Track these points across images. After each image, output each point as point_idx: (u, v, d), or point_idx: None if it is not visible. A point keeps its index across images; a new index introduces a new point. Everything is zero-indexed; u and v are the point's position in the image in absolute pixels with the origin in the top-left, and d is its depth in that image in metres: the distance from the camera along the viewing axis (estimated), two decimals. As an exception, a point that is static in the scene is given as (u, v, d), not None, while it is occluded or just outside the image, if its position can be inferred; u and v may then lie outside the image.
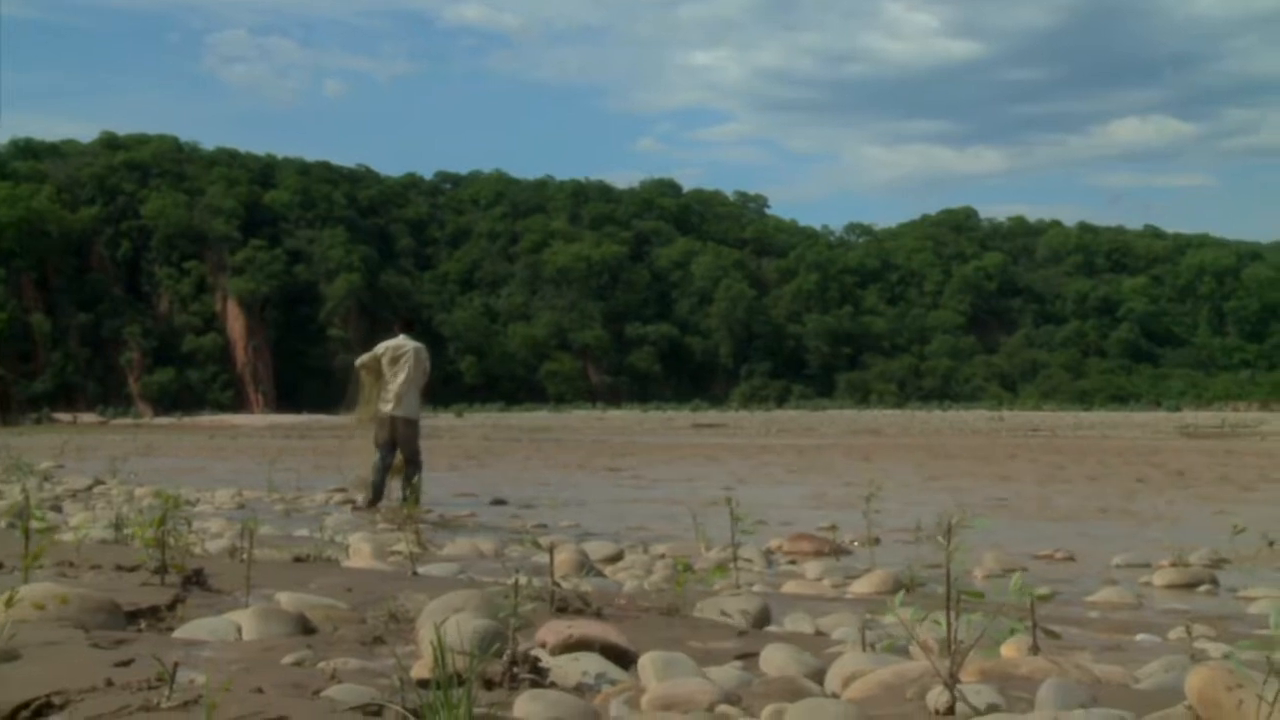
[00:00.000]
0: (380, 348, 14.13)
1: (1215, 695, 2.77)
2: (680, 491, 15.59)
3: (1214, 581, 7.84)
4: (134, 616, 4.44)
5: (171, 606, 4.64)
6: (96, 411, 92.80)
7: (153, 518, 5.40)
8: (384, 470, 13.73)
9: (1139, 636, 5.37)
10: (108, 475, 16.11)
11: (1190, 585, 7.77)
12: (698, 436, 45.87)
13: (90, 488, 15.17)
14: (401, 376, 13.75)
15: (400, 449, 13.83)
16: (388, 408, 13.75)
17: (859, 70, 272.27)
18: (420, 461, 13.90)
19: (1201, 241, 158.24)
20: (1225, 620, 6.03)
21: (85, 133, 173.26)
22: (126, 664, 3.47)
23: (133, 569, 5.40)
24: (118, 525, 7.51)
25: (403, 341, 14.07)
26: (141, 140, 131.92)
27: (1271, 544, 9.12)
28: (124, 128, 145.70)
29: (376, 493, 13.50)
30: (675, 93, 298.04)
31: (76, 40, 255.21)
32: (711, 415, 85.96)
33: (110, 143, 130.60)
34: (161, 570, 5.16)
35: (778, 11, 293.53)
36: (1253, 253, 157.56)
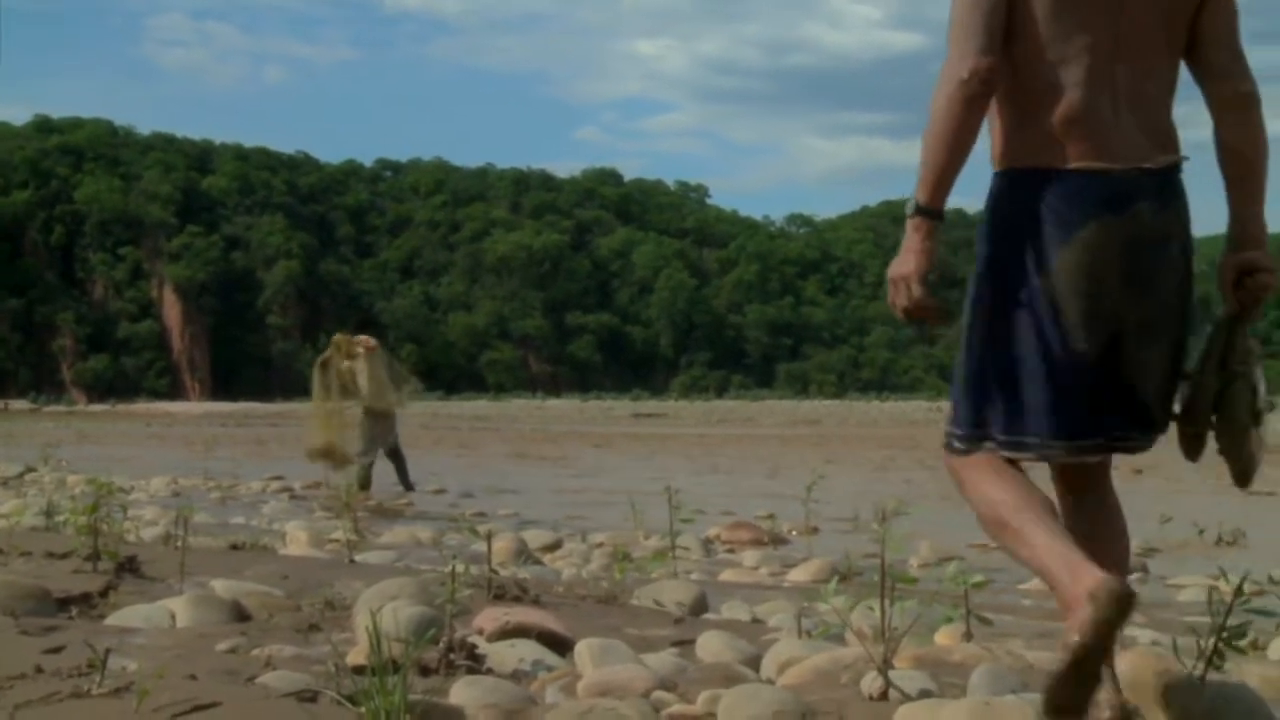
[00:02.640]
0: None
1: (1143, 680, 2.81)
2: (619, 481, 15.61)
3: (1144, 570, 7.95)
4: (65, 604, 4.39)
5: (104, 594, 4.60)
6: (28, 399, 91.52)
7: (86, 505, 5.34)
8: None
9: (1071, 623, 5.43)
10: (39, 462, 15.91)
11: (1122, 573, 7.87)
12: (637, 426, 45.94)
13: (21, 475, 14.98)
14: (384, 374, 13.98)
15: (388, 440, 13.98)
16: (383, 403, 13.93)
17: (801, 61, 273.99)
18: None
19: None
20: (1155, 608, 6.13)
21: (17, 115, 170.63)
22: (57, 651, 3.43)
23: (64, 556, 5.34)
24: (49, 513, 7.41)
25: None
26: (76, 124, 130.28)
27: (1201, 532, 9.26)
28: (58, 111, 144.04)
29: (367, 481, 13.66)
30: (618, 82, 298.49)
31: (9, 21, 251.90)
32: (651, 405, 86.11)
33: (43, 126, 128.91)
34: (94, 557, 5.10)
35: (721, 1, 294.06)
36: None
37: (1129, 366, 2.70)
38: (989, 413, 2.72)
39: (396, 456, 13.94)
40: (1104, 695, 2.51)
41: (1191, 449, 2.82)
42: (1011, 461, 2.73)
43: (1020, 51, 2.70)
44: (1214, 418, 2.77)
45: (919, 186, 2.69)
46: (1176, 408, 2.80)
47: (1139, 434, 2.76)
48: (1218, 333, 2.80)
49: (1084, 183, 2.65)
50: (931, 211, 2.69)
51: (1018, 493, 2.67)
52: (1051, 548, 2.54)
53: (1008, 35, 2.68)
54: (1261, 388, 2.76)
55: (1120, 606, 2.37)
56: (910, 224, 2.71)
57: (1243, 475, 2.78)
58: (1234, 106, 2.79)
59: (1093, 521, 2.81)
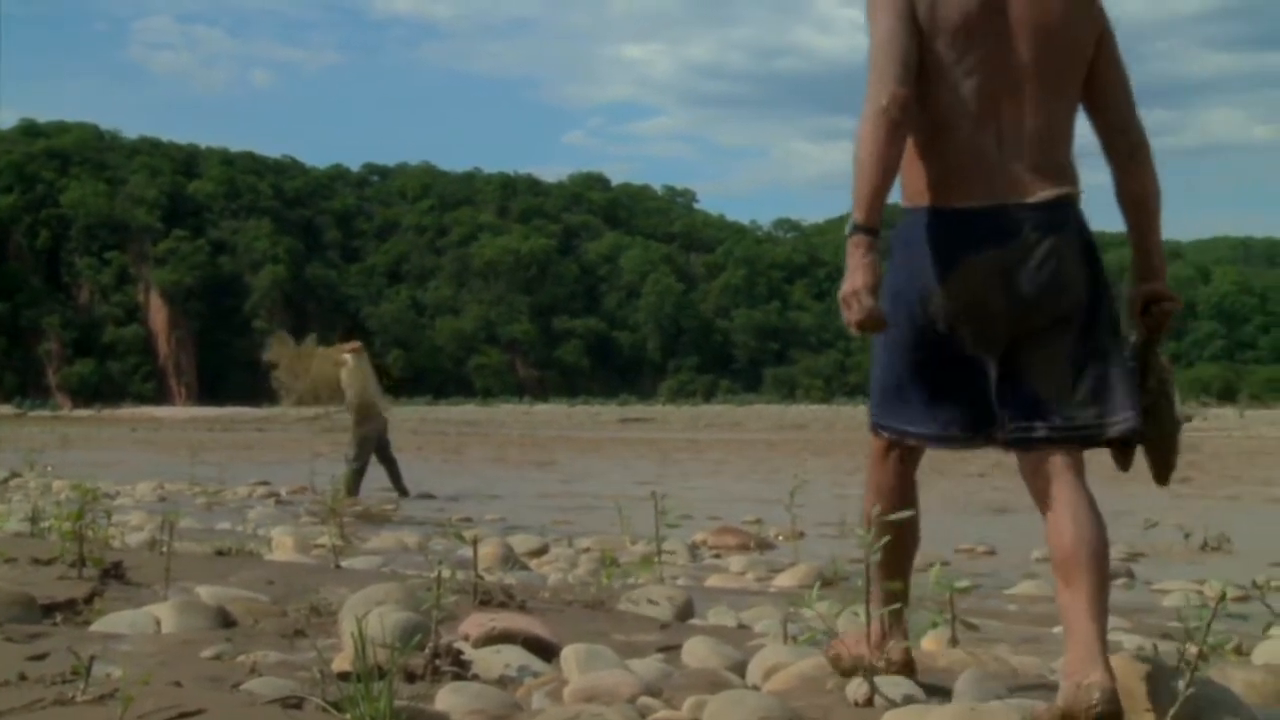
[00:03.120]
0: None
1: (1127, 684, 2.81)
2: (606, 486, 15.60)
3: (1130, 575, 7.98)
4: (49, 610, 4.37)
5: (89, 600, 4.58)
6: (13, 403, 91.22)
7: (71, 510, 5.32)
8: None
9: (1056, 629, 5.43)
10: (24, 468, 15.85)
11: (1107, 578, 7.88)
12: (625, 431, 45.94)
13: (6, 480, 14.92)
14: (371, 379, 14.18)
15: (379, 445, 14.18)
16: (372, 408, 14.17)
17: (789, 65, 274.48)
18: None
19: (1121, 240, 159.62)
20: (1140, 613, 6.13)
21: (3, 119, 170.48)
22: (41, 658, 3.42)
23: (49, 562, 5.32)
24: (34, 518, 7.38)
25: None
26: (62, 128, 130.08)
27: (1187, 537, 9.29)
28: (44, 115, 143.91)
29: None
30: (606, 86, 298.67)
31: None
32: (639, 410, 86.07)
33: (29, 130, 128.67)
34: (79, 563, 5.08)
35: (709, 6, 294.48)
36: (1172, 251, 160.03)
37: (1023, 366, 3.00)
38: (898, 409, 3.13)
39: (388, 461, 14.01)
40: None
41: (1124, 457, 3.13)
42: (917, 450, 3.21)
43: (923, 97, 2.99)
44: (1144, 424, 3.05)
45: (854, 208, 2.95)
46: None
47: (1034, 428, 3.00)
48: (1135, 356, 3.09)
49: (969, 218, 2.99)
50: (868, 229, 2.94)
51: (886, 503, 3.17)
52: (894, 560, 3.15)
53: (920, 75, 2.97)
54: (1177, 401, 3.14)
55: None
56: (851, 243, 2.96)
57: (1163, 477, 3.19)
58: (1131, 157, 3.12)
59: (1061, 522, 2.97)
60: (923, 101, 2.99)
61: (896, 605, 3.23)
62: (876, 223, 2.94)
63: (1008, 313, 2.98)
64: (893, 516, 3.13)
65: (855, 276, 2.93)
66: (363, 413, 13.90)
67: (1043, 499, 3.01)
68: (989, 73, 3.00)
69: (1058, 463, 2.99)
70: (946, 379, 3.05)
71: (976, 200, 2.99)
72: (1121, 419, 2.99)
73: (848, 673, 3.17)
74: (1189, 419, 3.29)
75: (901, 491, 3.21)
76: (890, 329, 3.02)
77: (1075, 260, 3.04)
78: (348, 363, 14.16)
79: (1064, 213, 3.04)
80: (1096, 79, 3.10)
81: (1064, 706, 2.68)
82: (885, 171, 2.94)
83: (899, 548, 3.18)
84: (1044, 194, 2.99)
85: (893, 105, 2.92)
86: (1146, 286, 3.16)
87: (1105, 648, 2.71)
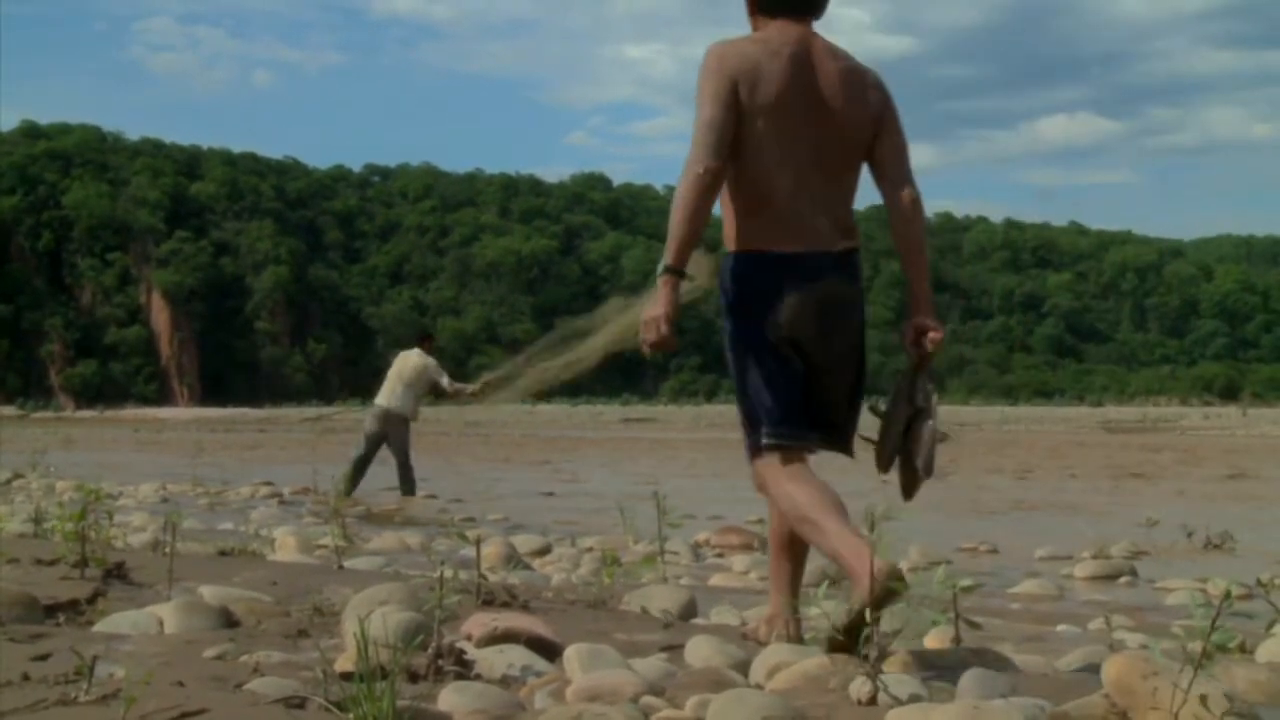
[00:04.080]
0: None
1: (1131, 683, 2.81)
2: (608, 486, 15.60)
3: (1133, 573, 7.96)
4: (52, 610, 4.37)
5: (91, 600, 4.58)
6: (16, 404, 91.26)
7: (73, 511, 5.32)
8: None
9: (1060, 627, 5.44)
10: (27, 469, 15.85)
11: (1110, 577, 7.88)
12: (627, 431, 45.96)
13: (9, 481, 14.92)
14: (419, 385, 14.41)
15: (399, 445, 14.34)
16: (406, 410, 14.37)
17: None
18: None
19: (1125, 239, 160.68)
20: (1143, 611, 6.13)
21: (5, 121, 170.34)
22: (44, 658, 3.42)
23: (52, 563, 5.31)
24: (37, 519, 7.38)
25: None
26: (63, 129, 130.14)
27: (1190, 536, 9.28)
28: (45, 116, 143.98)
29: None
30: (607, 87, 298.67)
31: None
32: (641, 410, 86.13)
33: (31, 131, 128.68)
34: (81, 564, 5.08)
35: (709, 6, 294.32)
36: (1174, 250, 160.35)
37: (825, 394, 3.76)
38: (765, 419, 3.72)
39: (405, 460, 14.11)
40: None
41: (883, 464, 3.78)
42: (797, 457, 3.73)
43: (746, 163, 3.67)
44: (903, 443, 3.71)
45: (666, 252, 3.64)
46: (874, 434, 3.79)
47: (828, 440, 3.81)
48: (904, 378, 3.75)
49: (788, 262, 3.68)
50: (678, 271, 3.64)
51: (813, 492, 3.63)
52: (841, 534, 3.53)
53: (738, 151, 3.64)
54: (938, 418, 3.71)
55: (895, 578, 3.32)
56: (661, 280, 3.64)
57: (913, 487, 3.79)
58: (906, 210, 3.76)
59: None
60: (748, 169, 3.68)
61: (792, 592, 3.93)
62: (684, 265, 3.65)
63: (819, 341, 3.70)
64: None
65: (661, 307, 3.61)
66: (399, 411, 14.20)
67: (804, 479, 3.71)
68: (799, 146, 3.68)
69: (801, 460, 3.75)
70: (800, 393, 3.73)
71: (795, 247, 3.68)
72: (849, 440, 3.85)
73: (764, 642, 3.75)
74: (945, 438, 3.76)
75: (823, 497, 3.62)
76: (750, 356, 3.72)
77: (858, 304, 3.83)
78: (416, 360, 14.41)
79: (855, 262, 3.80)
80: (879, 148, 3.79)
81: (860, 595, 3.31)
82: (695, 225, 3.64)
83: (800, 541, 3.82)
84: (842, 245, 3.74)
85: (708, 174, 3.60)
86: (917, 319, 3.78)
87: (872, 553, 3.31)
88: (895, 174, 3.79)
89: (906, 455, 3.72)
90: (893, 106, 3.87)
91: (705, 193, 3.61)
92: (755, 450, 3.78)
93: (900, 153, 3.83)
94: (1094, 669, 3.51)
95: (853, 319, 3.80)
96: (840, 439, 3.82)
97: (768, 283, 3.68)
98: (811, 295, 3.66)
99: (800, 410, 3.71)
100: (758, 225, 3.72)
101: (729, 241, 3.81)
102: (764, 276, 3.69)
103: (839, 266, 3.73)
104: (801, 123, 3.68)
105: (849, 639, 3.28)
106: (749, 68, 3.66)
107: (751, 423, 3.77)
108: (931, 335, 3.75)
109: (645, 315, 3.63)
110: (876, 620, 3.21)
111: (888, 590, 3.27)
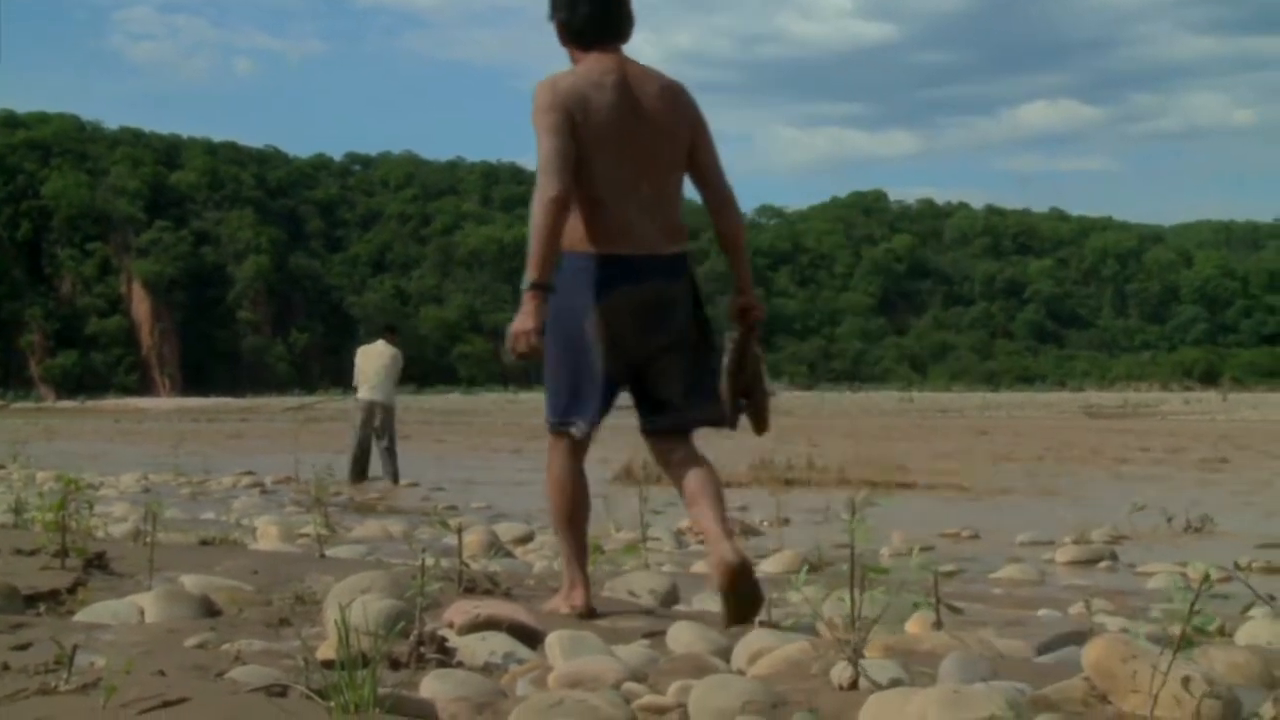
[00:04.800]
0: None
1: (1110, 666, 2.82)
2: (591, 473, 15.59)
3: (1114, 557, 8.01)
4: (33, 600, 4.36)
5: (72, 590, 4.57)
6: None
7: (54, 501, 5.30)
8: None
9: (1040, 612, 5.46)
10: (7, 459, 15.78)
11: (1091, 561, 7.92)
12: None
13: (-10, 472, 14.85)
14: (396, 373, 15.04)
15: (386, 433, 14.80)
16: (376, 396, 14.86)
17: (773, 52, 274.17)
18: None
19: (1105, 225, 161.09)
20: (1124, 595, 6.16)
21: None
22: (24, 647, 3.41)
23: (32, 553, 5.30)
24: (17, 509, 7.36)
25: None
26: (42, 118, 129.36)
27: (1170, 520, 9.32)
28: (24, 106, 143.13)
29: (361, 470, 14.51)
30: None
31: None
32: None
33: (9, 120, 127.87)
34: (62, 554, 5.06)
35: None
36: (1155, 235, 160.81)
37: (653, 378, 4.28)
38: (566, 405, 4.22)
39: (392, 448, 14.37)
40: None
41: (732, 421, 4.39)
42: (582, 444, 4.27)
43: (583, 179, 4.08)
44: (744, 401, 4.37)
45: (529, 269, 4.02)
46: (722, 397, 4.33)
47: (665, 421, 4.35)
48: (735, 348, 4.35)
49: (616, 264, 4.11)
50: (543, 285, 4.02)
51: (578, 494, 4.30)
52: (574, 553, 4.30)
53: (575, 170, 4.04)
54: (766, 379, 4.46)
55: (743, 575, 3.96)
56: (527, 295, 4.01)
57: (762, 429, 4.51)
58: (724, 206, 4.37)
59: (686, 476, 4.25)
60: (584, 184, 4.07)
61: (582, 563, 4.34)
62: (547, 279, 4.03)
63: (643, 334, 4.18)
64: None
65: (528, 320, 3.98)
66: (385, 400, 14.60)
67: (669, 464, 4.34)
68: (628, 161, 4.13)
69: (676, 440, 4.35)
70: (607, 382, 4.18)
71: (628, 251, 4.12)
72: (711, 411, 4.33)
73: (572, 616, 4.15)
74: (774, 394, 4.58)
75: (579, 475, 4.32)
76: (564, 345, 4.14)
77: (686, 299, 4.30)
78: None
79: (683, 263, 4.30)
80: (697, 156, 4.30)
81: (725, 569, 3.93)
82: (552, 242, 4.02)
83: (581, 516, 4.32)
84: (671, 249, 4.24)
85: (560, 198, 4.00)
86: (740, 299, 4.40)
87: (730, 535, 4.03)
88: (713, 179, 4.34)
89: (754, 412, 4.44)
90: (704, 118, 4.38)
91: (558, 214, 4.02)
92: (549, 425, 4.30)
93: (715, 159, 4.36)
94: (1074, 653, 3.52)
95: (677, 314, 4.27)
96: (680, 417, 4.35)
97: (600, 282, 4.11)
98: (637, 294, 4.14)
99: (588, 400, 4.19)
100: (594, 230, 4.13)
101: (570, 243, 4.14)
102: (597, 276, 4.11)
103: (666, 268, 4.23)
104: (628, 140, 4.13)
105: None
106: (577, 97, 4.10)
107: (549, 404, 4.28)
108: (754, 312, 4.40)
109: (514, 328, 4.00)
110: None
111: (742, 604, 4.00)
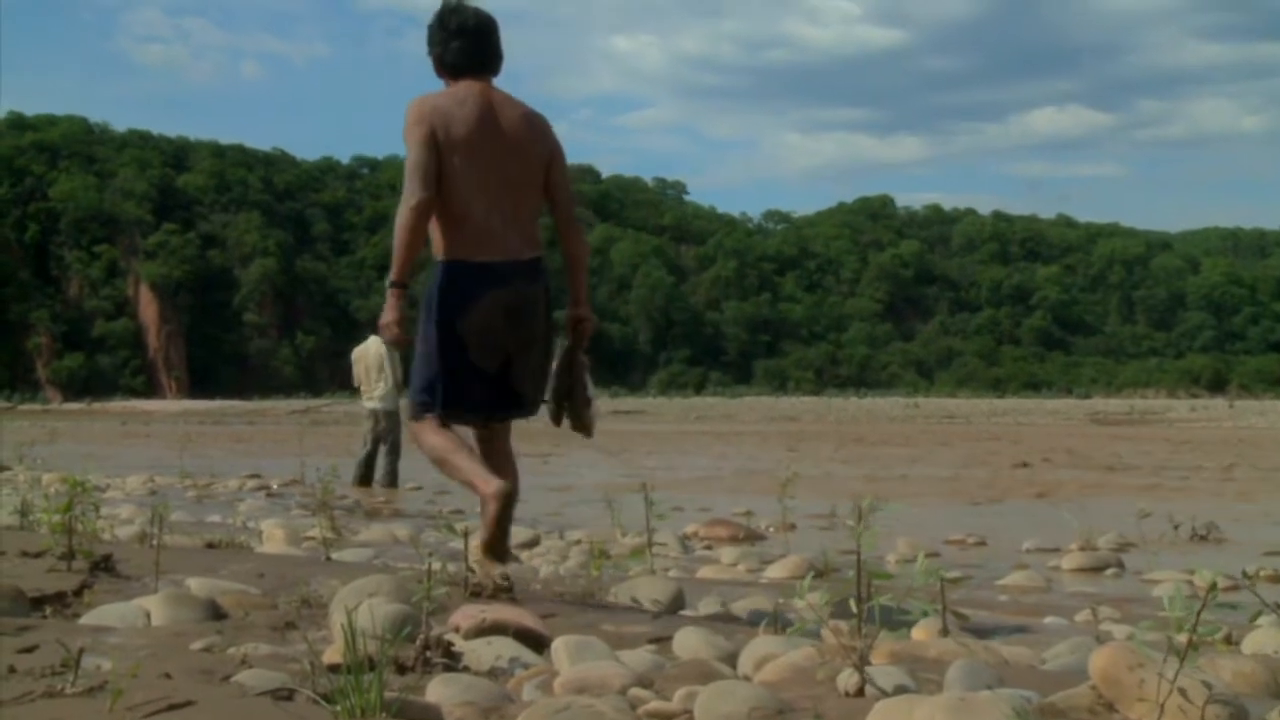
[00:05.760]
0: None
1: (1117, 674, 2.82)
2: (597, 477, 15.60)
3: (1120, 565, 7.99)
4: (39, 603, 4.36)
5: (78, 592, 4.57)
6: (3, 397, 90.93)
7: (60, 503, 5.31)
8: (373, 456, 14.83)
9: (1047, 619, 5.46)
10: (14, 461, 15.81)
11: (1097, 569, 7.91)
12: (616, 423, 45.92)
13: (-4, 474, 14.88)
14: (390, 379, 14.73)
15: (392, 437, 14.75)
16: (376, 404, 14.83)
17: (780, 57, 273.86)
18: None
19: (1112, 231, 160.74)
20: (1130, 602, 6.15)
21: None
22: (30, 650, 3.41)
23: (38, 555, 5.30)
24: (23, 511, 7.37)
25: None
26: (50, 121, 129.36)
27: (1176, 528, 9.30)
28: (32, 108, 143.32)
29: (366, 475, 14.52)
30: (596, 78, 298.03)
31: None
32: (630, 402, 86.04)
33: (17, 123, 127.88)
34: (68, 556, 5.07)
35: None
36: (1162, 242, 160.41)
37: (515, 374, 4.80)
38: (433, 396, 4.73)
39: (395, 452, 14.30)
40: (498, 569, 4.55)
41: (556, 419, 4.99)
42: (446, 425, 4.77)
43: (449, 191, 4.59)
44: (565, 403, 4.94)
45: (392, 270, 4.60)
46: (546, 396, 4.94)
47: (518, 410, 4.97)
48: (565, 354, 4.94)
49: (483, 269, 4.64)
50: (402, 284, 4.63)
51: (449, 441, 4.74)
52: (470, 467, 4.68)
53: (441, 182, 4.57)
54: (590, 386, 4.97)
55: (510, 499, 4.64)
56: (391, 293, 4.63)
57: (586, 432, 5.07)
58: (570, 228, 4.93)
59: (495, 462, 4.85)
60: (450, 195, 4.58)
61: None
62: (408, 280, 4.61)
63: (505, 331, 4.69)
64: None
65: (391, 313, 4.62)
66: (390, 406, 14.64)
67: (489, 447, 4.94)
68: (491, 176, 4.63)
69: (504, 428, 5.02)
70: (469, 376, 4.71)
71: (492, 257, 4.64)
72: (538, 408, 4.94)
73: (490, 594, 4.48)
74: (595, 399, 5.10)
75: (456, 443, 4.74)
76: (434, 341, 4.64)
77: (542, 301, 4.81)
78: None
79: (539, 268, 4.79)
80: (551, 179, 4.83)
81: (495, 497, 4.57)
82: (414, 246, 4.57)
83: (463, 449, 4.75)
84: (529, 255, 4.74)
85: (421, 204, 4.54)
86: (575, 311, 4.95)
87: (486, 468, 4.68)
88: (563, 203, 4.90)
89: (574, 413, 4.96)
90: (561, 147, 4.90)
91: (420, 220, 4.56)
92: (412, 414, 4.82)
93: (567, 183, 4.93)
94: (1081, 661, 3.52)
95: (536, 313, 4.80)
96: (530, 410, 4.96)
97: (468, 285, 4.62)
98: (502, 296, 4.65)
99: (451, 393, 4.71)
100: (460, 239, 4.64)
101: (437, 252, 4.69)
102: (465, 281, 4.63)
103: (526, 272, 4.73)
104: (491, 157, 4.63)
105: (491, 554, 4.64)
106: (442, 115, 4.60)
107: (414, 392, 4.81)
108: (585, 324, 4.97)
109: (381, 321, 4.65)
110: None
111: (505, 508, 4.61)
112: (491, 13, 4.88)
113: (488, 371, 4.75)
